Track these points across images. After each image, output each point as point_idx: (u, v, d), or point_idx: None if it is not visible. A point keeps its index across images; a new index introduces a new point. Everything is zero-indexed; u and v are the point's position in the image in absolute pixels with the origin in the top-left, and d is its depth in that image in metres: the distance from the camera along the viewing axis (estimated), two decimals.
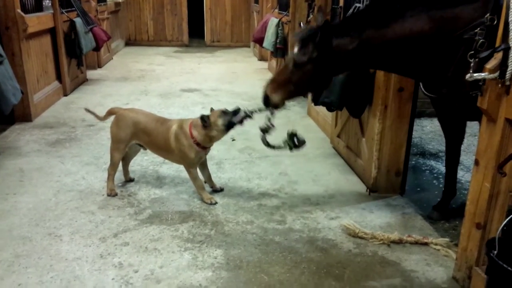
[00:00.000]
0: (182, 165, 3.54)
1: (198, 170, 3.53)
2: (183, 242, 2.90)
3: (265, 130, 3.22)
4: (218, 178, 3.85)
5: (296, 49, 2.78)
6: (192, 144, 3.31)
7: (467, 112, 2.88)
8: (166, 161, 4.18)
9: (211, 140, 3.35)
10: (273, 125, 3.20)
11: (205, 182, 3.64)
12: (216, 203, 3.43)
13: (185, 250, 2.81)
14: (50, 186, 3.65)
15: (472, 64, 2.28)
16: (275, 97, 2.88)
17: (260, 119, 3.29)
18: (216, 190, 3.64)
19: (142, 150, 3.78)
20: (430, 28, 2.54)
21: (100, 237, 2.92)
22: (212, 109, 3.37)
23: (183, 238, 2.94)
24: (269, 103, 2.93)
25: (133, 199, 3.47)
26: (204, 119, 3.23)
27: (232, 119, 3.24)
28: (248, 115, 3.24)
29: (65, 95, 6.56)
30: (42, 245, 2.82)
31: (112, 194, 3.52)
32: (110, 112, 3.62)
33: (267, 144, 3.28)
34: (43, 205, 3.32)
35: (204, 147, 3.36)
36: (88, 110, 3.72)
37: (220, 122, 3.23)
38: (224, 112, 3.26)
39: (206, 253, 2.78)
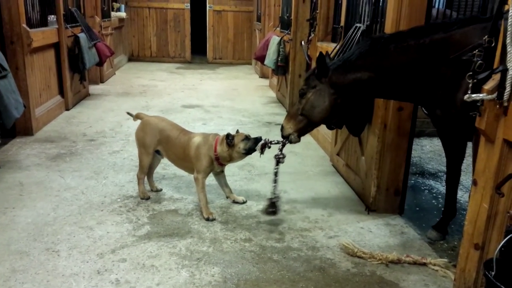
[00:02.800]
0: (192, 175, 3.61)
1: (218, 185, 3.77)
2: (181, 259, 2.89)
3: (277, 160, 3.34)
4: (218, 194, 3.86)
5: (301, 84, 3.18)
6: (211, 156, 3.44)
7: (466, 132, 2.92)
8: (165, 177, 4.20)
9: (230, 159, 3.47)
10: (284, 155, 3.34)
11: (227, 198, 3.78)
12: (214, 219, 3.43)
13: (183, 267, 2.80)
14: (49, 200, 3.65)
15: (470, 85, 2.32)
16: (288, 127, 3.22)
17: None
18: (238, 202, 3.73)
19: None
20: (418, 56, 2.74)
21: (98, 253, 2.91)
22: (237, 131, 3.52)
23: (180, 255, 2.93)
24: (283, 134, 3.25)
25: (132, 215, 3.46)
26: (228, 137, 3.35)
27: (253, 146, 3.36)
28: (266, 144, 3.36)
29: (67, 109, 6.60)
30: (40, 260, 2.81)
31: (145, 197, 3.72)
32: (137, 116, 3.83)
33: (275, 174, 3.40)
34: (42, 220, 3.32)
35: (221, 163, 3.51)
36: (129, 113, 3.94)
37: (242, 145, 3.36)
38: (247, 137, 3.40)
39: (203, 270, 2.77)
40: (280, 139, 3.31)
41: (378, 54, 2.85)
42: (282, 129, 3.27)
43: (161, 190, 3.94)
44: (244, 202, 3.74)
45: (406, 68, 2.81)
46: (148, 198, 3.72)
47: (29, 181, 4.00)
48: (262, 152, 3.38)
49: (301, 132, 3.25)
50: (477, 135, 2.65)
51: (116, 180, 4.11)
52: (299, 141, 3.28)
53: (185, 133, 3.65)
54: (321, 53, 3.01)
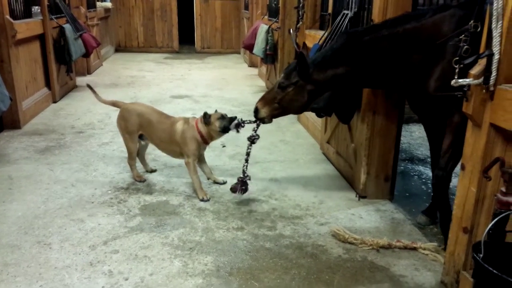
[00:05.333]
0: (183, 159, 3.73)
1: (198, 168, 3.77)
2: (173, 249, 2.89)
3: (251, 141, 3.51)
4: (209, 184, 3.86)
5: (282, 76, 3.25)
6: (196, 135, 3.57)
7: (443, 116, 2.98)
8: (156, 168, 4.18)
9: (210, 137, 3.61)
10: (258, 136, 3.51)
11: (208, 179, 3.90)
12: (208, 199, 3.56)
13: (176, 257, 2.81)
14: (39, 193, 3.63)
15: (457, 70, 2.35)
16: (263, 111, 3.33)
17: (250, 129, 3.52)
18: (219, 183, 3.88)
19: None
20: (392, 45, 2.83)
21: (90, 245, 2.91)
22: (216, 111, 3.66)
23: (173, 245, 2.94)
24: (257, 116, 3.37)
25: (123, 206, 3.46)
26: (206, 115, 3.52)
27: (227, 124, 3.51)
28: (240, 124, 3.52)
29: (54, 101, 6.52)
30: (31, 253, 2.80)
31: (141, 180, 3.88)
32: (113, 103, 3.96)
33: (248, 154, 3.58)
34: (32, 213, 3.30)
35: (205, 141, 3.63)
36: (89, 87, 4.04)
37: (217, 124, 3.52)
38: (223, 116, 3.55)
39: (196, 260, 2.78)
40: (252, 118, 3.44)
41: (353, 48, 2.93)
42: (256, 111, 3.37)
43: (155, 170, 4.12)
44: (224, 183, 3.87)
45: (380, 58, 2.89)
46: (144, 181, 3.86)
47: (18, 175, 3.97)
48: (237, 131, 3.55)
49: (275, 116, 3.39)
50: (451, 118, 2.71)
51: (106, 172, 4.10)
52: (271, 122, 3.43)
53: (166, 117, 3.76)
54: (301, 53, 3.06)
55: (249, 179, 3.54)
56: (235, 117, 3.56)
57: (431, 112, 3.02)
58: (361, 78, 3.04)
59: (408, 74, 2.85)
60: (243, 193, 3.51)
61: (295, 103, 3.21)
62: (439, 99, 2.69)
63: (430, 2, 4.67)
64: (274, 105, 3.27)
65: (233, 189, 3.51)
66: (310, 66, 3.04)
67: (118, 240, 2.98)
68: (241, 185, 3.49)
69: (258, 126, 3.45)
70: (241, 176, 3.52)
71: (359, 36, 2.91)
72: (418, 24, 2.75)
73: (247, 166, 3.54)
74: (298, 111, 3.41)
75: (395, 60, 2.86)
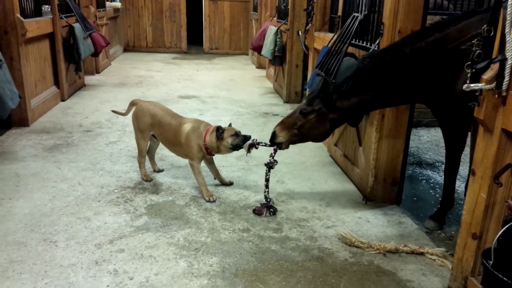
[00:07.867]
0: (187, 160, 3.78)
1: (206, 167, 3.83)
2: (179, 249, 2.89)
3: (270, 167, 3.39)
4: (215, 185, 3.85)
5: (304, 102, 3.19)
6: (200, 145, 3.54)
7: (466, 123, 2.94)
8: (163, 167, 4.19)
9: (218, 151, 3.56)
10: (276, 161, 3.38)
11: (215, 179, 3.89)
12: (215, 200, 3.55)
13: (181, 257, 2.80)
14: (46, 191, 3.64)
15: (469, 75, 2.32)
16: (281, 136, 3.23)
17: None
18: (226, 184, 3.88)
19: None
20: (417, 60, 2.75)
21: (96, 244, 2.91)
22: (230, 125, 3.61)
23: (179, 245, 2.93)
24: (274, 141, 3.25)
25: (129, 205, 3.46)
26: (219, 130, 3.44)
27: (240, 143, 3.45)
28: (254, 145, 3.45)
29: (63, 100, 6.55)
30: (37, 251, 2.81)
31: (148, 179, 3.89)
32: (132, 104, 3.99)
33: (267, 180, 3.43)
34: (39, 211, 3.31)
35: (209, 153, 3.60)
36: (114, 111, 4.15)
37: (229, 140, 3.46)
38: (237, 134, 3.48)
39: (202, 260, 2.77)
40: (267, 142, 3.34)
41: (376, 71, 2.85)
42: (274, 135, 3.25)
43: (163, 170, 4.14)
44: (231, 184, 3.89)
45: (406, 76, 2.81)
46: (150, 180, 3.89)
47: (25, 172, 3.98)
48: (249, 151, 3.47)
49: (293, 143, 3.30)
50: (475, 124, 2.67)
51: (113, 171, 4.10)
52: (288, 148, 3.33)
53: (176, 118, 3.75)
54: (325, 80, 3.05)
55: (273, 203, 3.44)
56: (249, 136, 3.48)
57: (455, 119, 2.96)
58: (386, 99, 2.97)
59: (436, 83, 2.77)
60: (272, 214, 3.37)
61: (316, 131, 3.14)
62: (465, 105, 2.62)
63: (440, 5, 4.66)
64: (294, 131, 3.18)
65: (257, 212, 3.37)
66: (334, 94, 2.99)
67: (124, 239, 2.97)
68: (267, 208, 3.38)
69: (275, 151, 3.33)
70: (264, 202, 3.41)
71: (381, 58, 2.84)
72: (441, 35, 2.68)
73: (268, 191, 3.40)
74: (318, 139, 3.28)
75: (422, 74, 2.78)
